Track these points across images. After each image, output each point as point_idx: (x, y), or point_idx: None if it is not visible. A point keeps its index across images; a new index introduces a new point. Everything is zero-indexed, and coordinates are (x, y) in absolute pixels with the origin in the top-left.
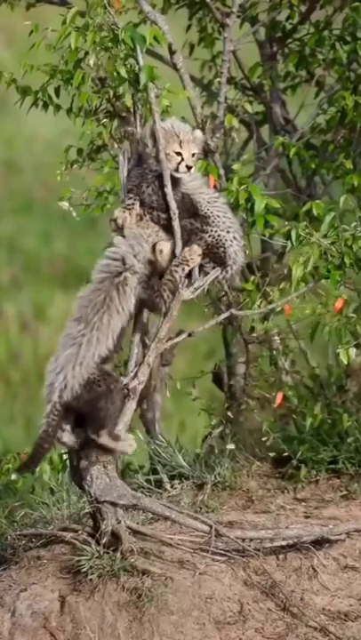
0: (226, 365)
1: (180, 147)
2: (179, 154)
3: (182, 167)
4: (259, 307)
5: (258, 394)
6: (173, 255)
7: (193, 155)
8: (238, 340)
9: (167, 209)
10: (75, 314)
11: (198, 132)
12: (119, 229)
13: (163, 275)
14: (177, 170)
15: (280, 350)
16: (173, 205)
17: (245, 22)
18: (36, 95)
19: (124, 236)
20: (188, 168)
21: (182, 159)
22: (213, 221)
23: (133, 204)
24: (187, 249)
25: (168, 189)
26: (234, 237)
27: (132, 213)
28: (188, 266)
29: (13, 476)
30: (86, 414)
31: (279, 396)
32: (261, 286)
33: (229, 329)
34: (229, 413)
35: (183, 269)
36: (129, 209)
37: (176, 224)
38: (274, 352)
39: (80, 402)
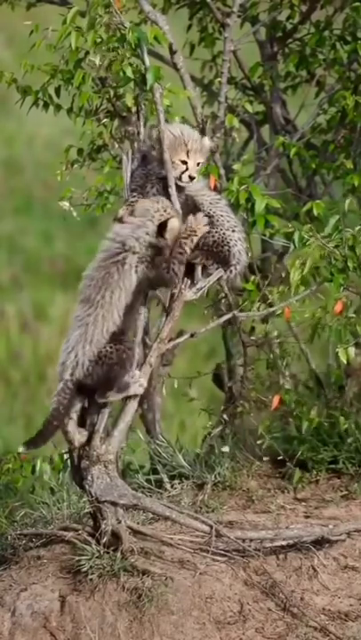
0: (226, 366)
1: (187, 156)
2: (184, 162)
3: (185, 177)
4: (258, 309)
5: (254, 397)
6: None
7: (198, 164)
8: (238, 342)
9: None
10: (81, 295)
11: (206, 141)
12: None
13: (160, 251)
14: (180, 179)
15: (278, 354)
16: (177, 206)
17: (246, 22)
18: (37, 95)
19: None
20: (191, 178)
21: (187, 168)
22: (217, 221)
23: (137, 201)
24: (191, 218)
25: (172, 190)
26: (238, 237)
27: None
28: (197, 235)
29: (20, 449)
30: (97, 386)
31: (276, 399)
32: (262, 287)
33: (229, 330)
34: (225, 416)
35: (192, 240)
36: (133, 206)
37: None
38: (272, 355)
39: (93, 377)
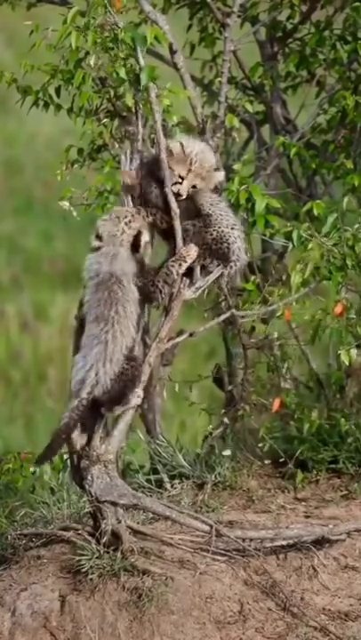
0: (226, 367)
1: (186, 175)
2: (181, 178)
3: (175, 188)
4: (258, 308)
5: (255, 400)
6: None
7: (194, 186)
8: (238, 344)
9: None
10: (90, 316)
11: (219, 174)
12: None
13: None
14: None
15: (278, 356)
16: (174, 205)
17: (246, 22)
18: (37, 95)
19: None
20: (178, 195)
21: (180, 184)
22: (216, 219)
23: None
24: (185, 247)
25: (168, 189)
26: (238, 235)
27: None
28: (185, 262)
29: (31, 469)
30: (110, 402)
31: (276, 402)
32: (262, 286)
33: (230, 332)
34: (225, 419)
35: (180, 265)
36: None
37: (177, 224)
38: (272, 357)
39: (110, 394)
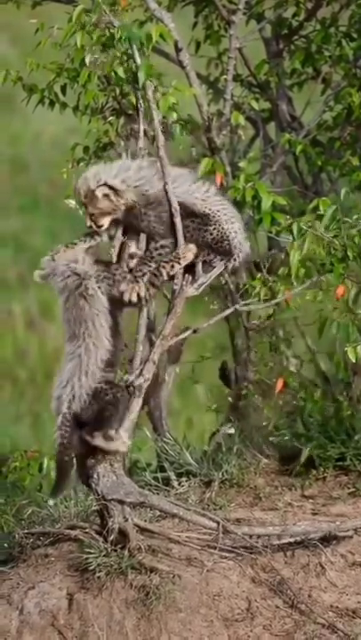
0: (233, 354)
1: (86, 207)
2: (87, 214)
3: (93, 225)
4: (260, 299)
5: (259, 379)
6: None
7: (92, 215)
8: (242, 331)
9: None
10: (65, 335)
11: (99, 190)
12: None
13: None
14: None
15: (281, 337)
16: (175, 202)
17: (251, 19)
18: (42, 93)
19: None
20: (98, 226)
21: (91, 218)
22: (214, 217)
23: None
24: (185, 245)
25: (168, 187)
26: (237, 228)
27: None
28: (179, 264)
29: (50, 502)
30: (89, 423)
31: (280, 382)
32: (267, 283)
33: (231, 319)
34: (230, 398)
35: (172, 266)
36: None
37: (178, 220)
38: (274, 338)
39: (88, 413)
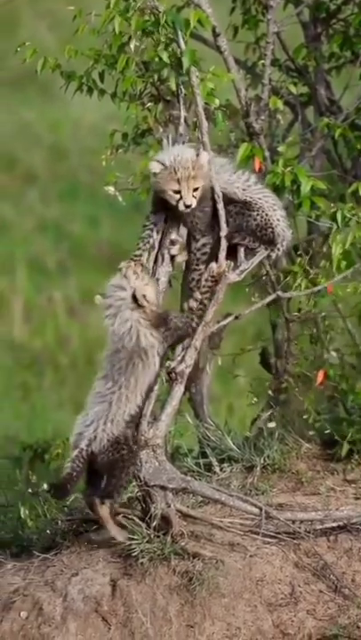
0: (273, 346)
1: (179, 184)
2: (177, 192)
3: (181, 205)
4: (301, 287)
5: (299, 372)
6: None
7: (195, 189)
8: (282, 323)
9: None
10: (100, 373)
11: (203, 157)
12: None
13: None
14: (176, 207)
15: (322, 329)
16: (217, 188)
17: (289, 3)
18: (81, 80)
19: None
20: (187, 206)
21: (180, 197)
22: (256, 204)
23: (141, 255)
24: (213, 264)
25: (212, 173)
26: (280, 216)
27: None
28: (217, 283)
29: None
30: (101, 476)
31: (320, 375)
32: (308, 268)
33: (272, 309)
34: (270, 392)
35: (211, 290)
36: (135, 260)
37: (220, 207)
38: (316, 330)
39: (103, 459)
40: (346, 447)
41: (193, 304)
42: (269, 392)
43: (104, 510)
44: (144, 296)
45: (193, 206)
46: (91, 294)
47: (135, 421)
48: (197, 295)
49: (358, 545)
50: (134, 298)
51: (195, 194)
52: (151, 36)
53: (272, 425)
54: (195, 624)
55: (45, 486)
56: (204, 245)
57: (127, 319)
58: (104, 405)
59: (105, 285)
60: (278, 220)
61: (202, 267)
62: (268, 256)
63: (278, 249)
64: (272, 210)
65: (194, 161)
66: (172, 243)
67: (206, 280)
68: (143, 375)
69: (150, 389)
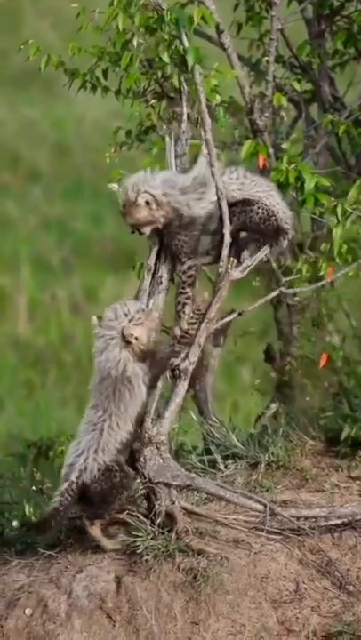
0: (277, 334)
1: (123, 217)
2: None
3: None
4: (304, 279)
5: (302, 354)
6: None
7: (133, 225)
8: (284, 308)
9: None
10: (90, 402)
11: (140, 197)
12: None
13: (153, 352)
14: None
15: (323, 313)
16: (220, 184)
17: (293, 0)
18: (84, 77)
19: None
20: (141, 233)
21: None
22: (253, 198)
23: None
24: (198, 298)
25: (215, 170)
26: (278, 201)
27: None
28: (204, 318)
29: (14, 523)
30: (93, 499)
31: (324, 357)
32: (312, 265)
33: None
34: (273, 373)
35: (199, 322)
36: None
37: (223, 204)
38: (317, 314)
39: (96, 489)
40: (346, 432)
41: (177, 332)
42: (274, 381)
43: (95, 530)
44: (132, 335)
45: (145, 235)
46: (95, 292)
47: (127, 448)
48: (183, 324)
49: None
50: (123, 336)
51: (140, 228)
52: (155, 33)
53: (273, 406)
54: (199, 621)
55: (24, 527)
56: (189, 268)
57: (115, 356)
58: (95, 434)
59: (104, 285)
60: (278, 204)
61: (188, 290)
62: (278, 244)
63: (287, 232)
64: (270, 197)
65: (127, 199)
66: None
67: (194, 312)
68: (132, 403)
69: (141, 418)
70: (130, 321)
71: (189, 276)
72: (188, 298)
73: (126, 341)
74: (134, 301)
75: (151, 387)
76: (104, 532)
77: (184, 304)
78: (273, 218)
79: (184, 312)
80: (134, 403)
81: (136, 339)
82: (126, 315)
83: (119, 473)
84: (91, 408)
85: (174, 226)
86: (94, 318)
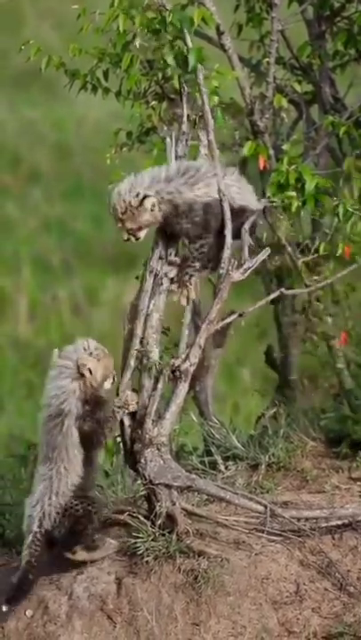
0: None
1: (121, 224)
2: (123, 229)
3: (130, 238)
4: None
5: (322, 330)
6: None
7: (132, 229)
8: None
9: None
10: (40, 455)
11: (147, 202)
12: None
13: (101, 401)
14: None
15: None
16: (222, 185)
17: (293, 1)
18: (85, 78)
19: None
20: (137, 239)
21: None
22: (209, 197)
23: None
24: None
25: (218, 172)
26: (238, 190)
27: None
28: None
29: (4, 608)
30: (64, 540)
31: (343, 336)
32: (312, 266)
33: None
34: (276, 353)
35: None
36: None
37: (226, 206)
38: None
39: (61, 532)
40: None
41: (183, 302)
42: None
43: (80, 555)
44: (85, 366)
45: (142, 236)
46: (95, 293)
47: (84, 489)
48: (192, 294)
49: None
50: (78, 367)
51: (135, 233)
52: (157, 34)
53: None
54: (200, 622)
55: (4, 607)
56: (201, 246)
57: (62, 385)
58: (45, 482)
59: (105, 286)
60: (233, 194)
61: (197, 264)
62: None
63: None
64: (228, 188)
65: (126, 204)
66: (170, 264)
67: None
68: (69, 446)
69: (91, 459)
70: (89, 355)
71: (200, 253)
72: (195, 270)
73: (80, 373)
74: (96, 342)
75: (93, 445)
76: (88, 548)
77: (191, 275)
78: (247, 213)
79: (190, 283)
80: (69, 444)
81: (90, 372)
82: (85, 349)
83: (79, 505)
84: (40, 463)
85: (172, 216)
86: (56, 351)
